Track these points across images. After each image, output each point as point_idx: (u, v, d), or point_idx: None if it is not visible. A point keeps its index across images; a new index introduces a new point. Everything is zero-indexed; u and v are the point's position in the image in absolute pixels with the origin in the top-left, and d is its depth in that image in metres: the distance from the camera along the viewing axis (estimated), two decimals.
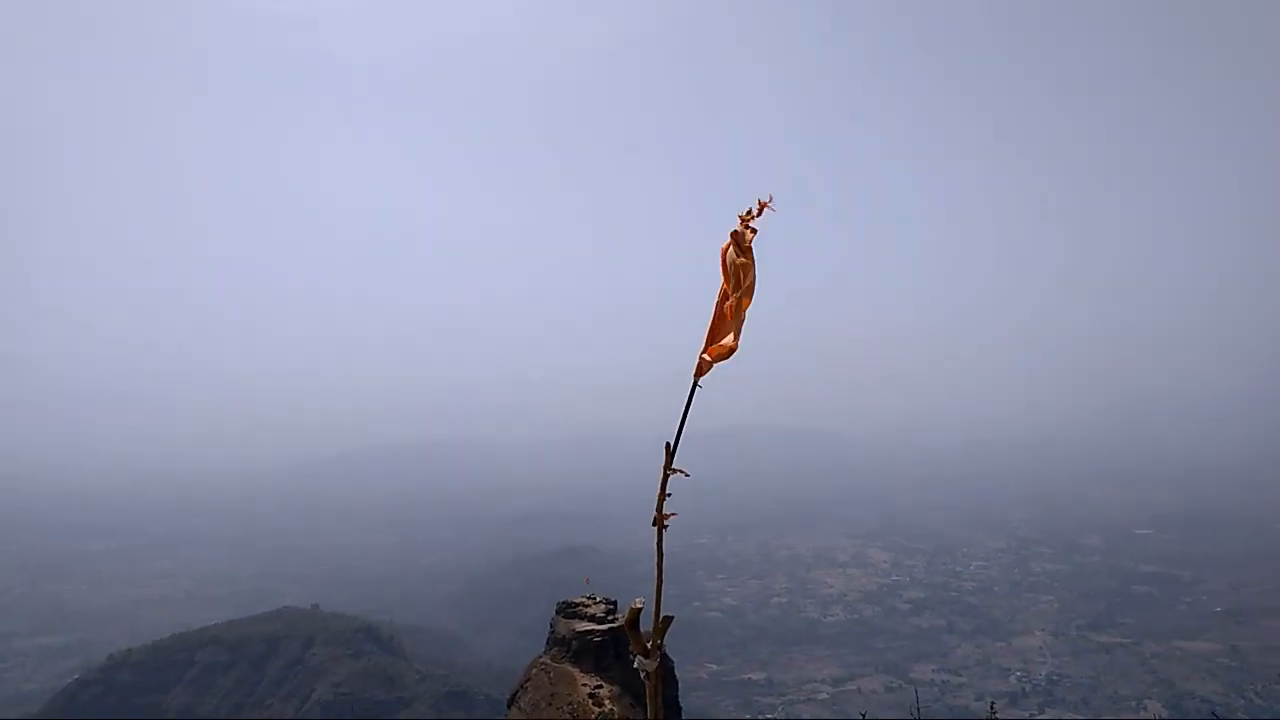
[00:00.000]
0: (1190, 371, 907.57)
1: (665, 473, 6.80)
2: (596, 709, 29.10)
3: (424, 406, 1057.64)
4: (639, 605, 7.48)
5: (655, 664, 7.10)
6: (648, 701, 7.34)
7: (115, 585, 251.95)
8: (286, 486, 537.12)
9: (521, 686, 32.58)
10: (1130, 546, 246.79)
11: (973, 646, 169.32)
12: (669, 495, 6.86)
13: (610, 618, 33.77)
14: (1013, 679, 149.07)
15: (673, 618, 7.14)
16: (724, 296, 6.63)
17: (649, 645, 7.12)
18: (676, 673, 32.78)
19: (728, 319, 6.59)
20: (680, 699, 31.99)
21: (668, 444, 6.83)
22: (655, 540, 7.07)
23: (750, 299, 6.62)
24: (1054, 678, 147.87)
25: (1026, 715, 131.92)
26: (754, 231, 6.61)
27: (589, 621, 33.46)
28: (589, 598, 35.26)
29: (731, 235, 6.64)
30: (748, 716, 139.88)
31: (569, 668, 31.76)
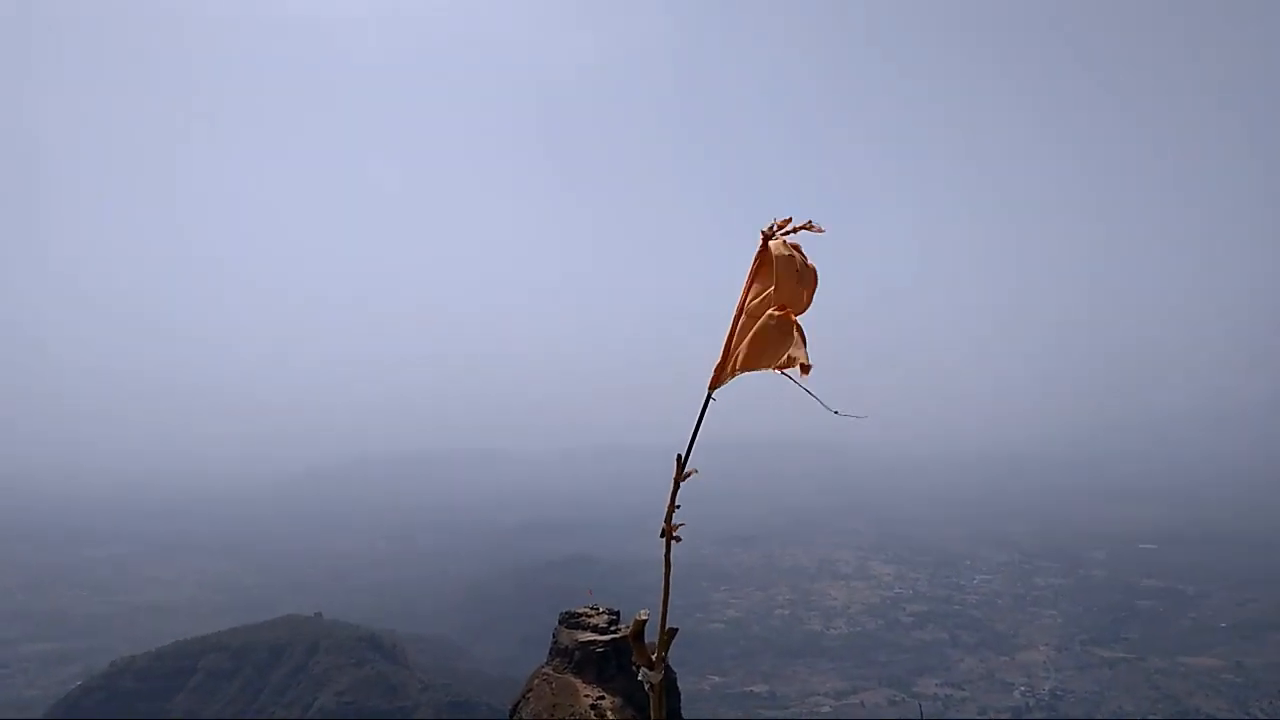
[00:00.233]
0: (1196, 385, 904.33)
1: (675, 484, 6.60)
2: None
3: (426, 417, 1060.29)
4: (644, 617, 7.41)
5: (660, 676, 6.96)
6: (651, 713, 7.19)
7: (117, 591, 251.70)
8: (289, 494, 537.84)
9: (523, 697, 32.44)
10: (1134, 561, 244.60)
11: (976, 660, 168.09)
12: (678, 507, 6.68)
13: (613, 628, 33.63)
14: (1017, 693, 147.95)
15: (678, 630, 6.96)
16: (765, 305, 6.18)
17: (654, 657, 6.96)
18: (679, 684, 32.65)
19: (782, 329, 6.08)
20: (683, 711, 31.86)
21: (679, 456, 6.61)
22: (664, 551, 6.86)
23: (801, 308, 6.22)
24: (1058, 693, 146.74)
25: None
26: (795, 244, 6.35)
27: (591, 632, 33.32)
28: (592, 608, 35.17)
29: (790, 246, 6.32)
30: None
31: (571, 678, 31.64)
